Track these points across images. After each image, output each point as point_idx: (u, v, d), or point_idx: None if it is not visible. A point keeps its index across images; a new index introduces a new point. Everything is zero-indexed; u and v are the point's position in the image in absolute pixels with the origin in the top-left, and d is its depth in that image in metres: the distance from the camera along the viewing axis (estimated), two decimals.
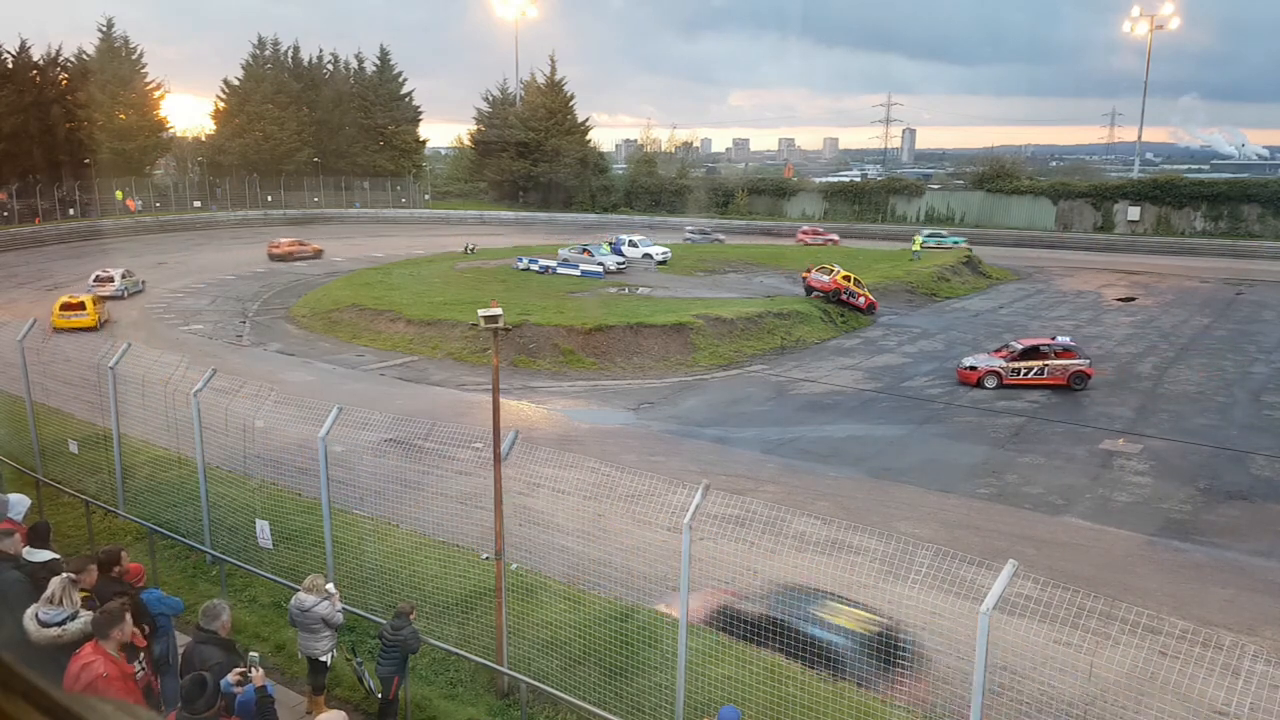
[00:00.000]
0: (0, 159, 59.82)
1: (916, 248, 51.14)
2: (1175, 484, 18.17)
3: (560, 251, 45.31)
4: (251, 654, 6.81)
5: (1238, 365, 28.51)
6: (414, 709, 9.30)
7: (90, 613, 6.50)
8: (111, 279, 38.65)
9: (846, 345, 31.13)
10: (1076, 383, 25.07)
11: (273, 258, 49.53)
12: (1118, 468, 19.18)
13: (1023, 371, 25.10)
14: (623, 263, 44.81)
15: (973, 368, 25.57)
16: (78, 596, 6.62)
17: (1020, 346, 25.74)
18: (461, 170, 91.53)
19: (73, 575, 6.78)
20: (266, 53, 76.64)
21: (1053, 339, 26.70)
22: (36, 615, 6.38)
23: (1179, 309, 38.69)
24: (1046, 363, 25.17)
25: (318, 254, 51.52)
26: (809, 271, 36.18)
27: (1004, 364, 25.20)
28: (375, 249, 55.19)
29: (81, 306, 31.78)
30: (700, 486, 8.57)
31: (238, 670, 6.46)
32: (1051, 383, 25.05)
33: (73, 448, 15.15)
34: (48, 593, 6.50)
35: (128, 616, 6.28)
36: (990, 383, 25.06)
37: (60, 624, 6.35)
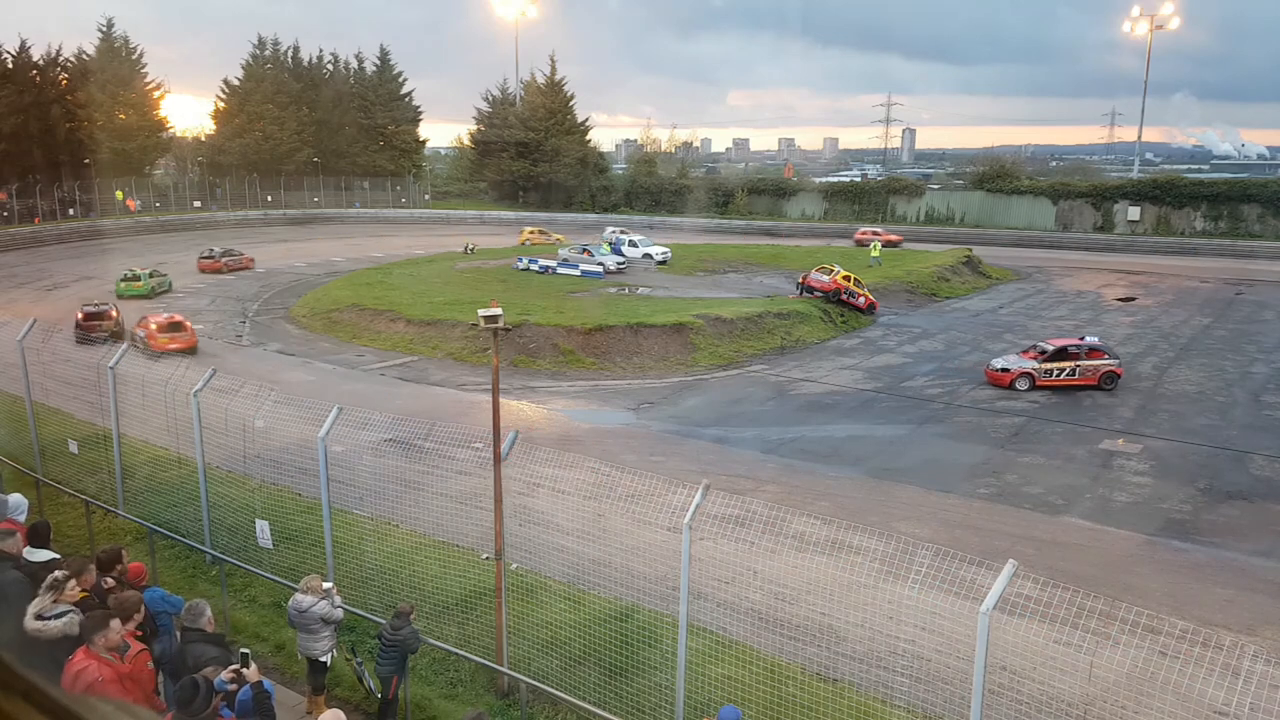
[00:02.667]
0: (0, 159, 59.84)
1: (875, 253, 47.95)
2: (1175, 484, 18.16)
3: (560, 251, 45.32)
4: (243, 650, 6.81)
5: (1238, 365, 28.50)
6: (414, 709, 9.30)
7: (75, 615, 6.53)
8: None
9: (846, 345, 31.13)
10: (1107, 383, 24.85)
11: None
12: (1118, 468, 19.18)
13: (1055, 373, 24.75)
14: (623, 263, 44.81)
15: (1005, 369, 25.06)
16: (65, 595, 6.63)
17: (1051, 348, 25.32)
18: (461, 170, 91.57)
19: (59, 575, 6.78)
20: (266, 53, 76.65)
21: (1081, 339, 26.26)
22: (36, 611, 6.48)
23: (1179, 309, 38.67)
24: (1078, 363, 24.88)
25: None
26: (805, 279, 36.00)
27: (1036, 365, 24.82)
28: (375, 249, 55.19)
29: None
30: (700, 486, 8.57)
31: (231, 668, 6.46)
32: (1083, 383, 24.78)
33: (73, 448, 15.17)
34: (41, 590, 6.59)
35: (112, 622, 6.24)
36: (1023, 384, 24.66)
37: (44, 620, 6.42)
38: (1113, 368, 25.14)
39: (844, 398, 24.60)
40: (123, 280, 38.06)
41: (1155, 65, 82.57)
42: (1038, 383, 24.76)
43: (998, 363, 25.76)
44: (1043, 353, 25.34)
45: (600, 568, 11.39)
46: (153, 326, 28.83)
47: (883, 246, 54.23)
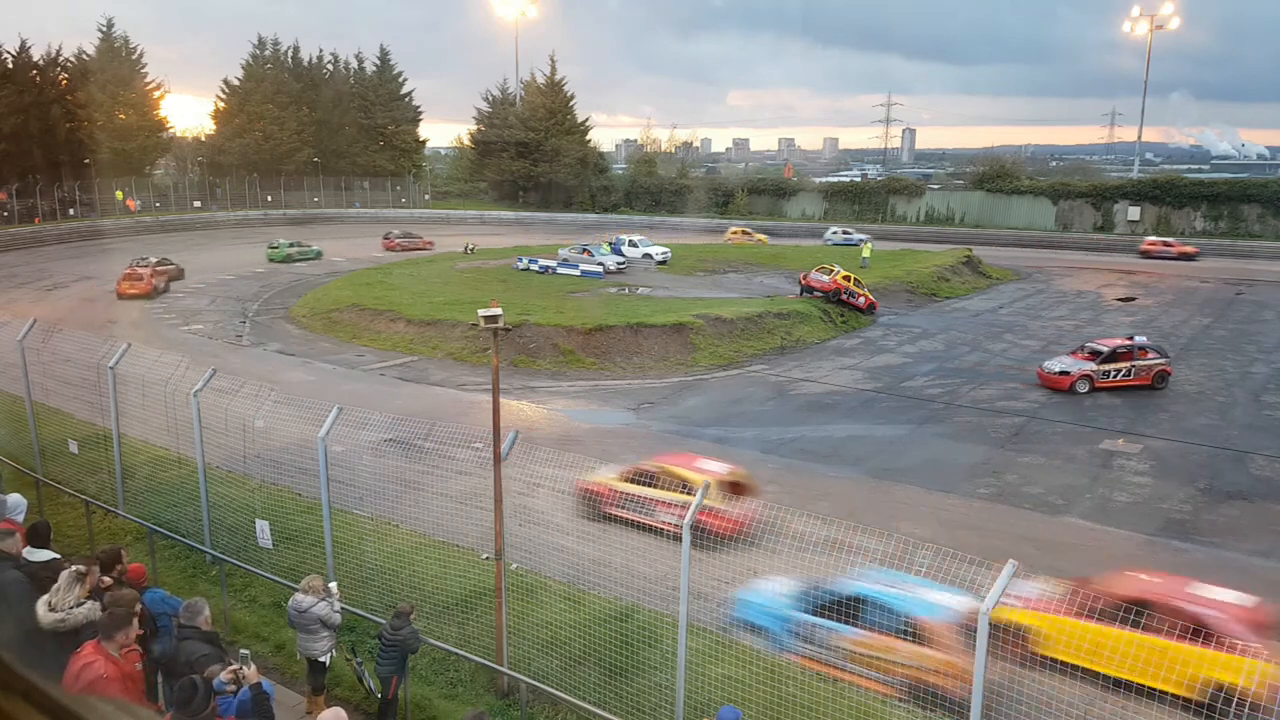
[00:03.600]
0: (0, 159, 59.84)
1: (866, 254, 47.28)
2: (1175, 484, 18.16)
3: (560, 251, 45.32)
4: (243, 651, 6.81)
5: (1238, 365, 28.49)
6: (414, 709, 9.30)
7: (96, 603, 6.59)
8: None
9: (846, 345, 31.12)
10: (1159, 381, 24.98)
11: None
12: (1118, 468, 19.17)
13: (1112, 374, 24.65)
14: (623, 263, 44.82)
15: (1064, 372, 24.72)
16: (80, 591, 6.69)
17: (1105, 349, 25.17)
18: (461, 170, 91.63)
19: (80, 569, 6.85)
20: (266, 53, 76.69)
21: (1130, 339, 26.18)
22: (49, 602, 6.55)
23: (1179, 309, 38.68)
24: (1134, 363, 24.86)
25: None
26: (806, 277, 35.99)
27: (1095, 367, 24.66)
28: (375, 249, 55.21)
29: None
30: (700, 486, 8.56)
31: (230, 669, 6.48)
32: (1138, 383, 24.76)
33: (73, 448, 15.16)
34: (58, 583, 6.66)
35: (134, 620, 6.32)
36: (1083, 387, 24.43)
37: (66, 610, 6.46)
38: (1164, 366, 25.23)
39: (844, 398, 24.59)
40: (269, 248, 50.61)
41: (1155, 65, 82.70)
42: (1096, 384, 24.56)
43: (1054, 365, 25.33)
44: (1095, 354, 25.13)
45: (600, 568, 11.39)
46: (120, 278, 38.68)
47: (1177, 258, 53.02)
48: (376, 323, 31.68)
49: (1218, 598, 10.47)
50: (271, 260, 49.27)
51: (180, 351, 26.44)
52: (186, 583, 11.94)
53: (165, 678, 7.47)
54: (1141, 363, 24.96)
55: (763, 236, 63.05)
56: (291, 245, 50.93)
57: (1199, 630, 9.44)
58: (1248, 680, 8.11)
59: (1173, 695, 8.50)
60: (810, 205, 76.98)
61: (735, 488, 13.49)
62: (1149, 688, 8.53)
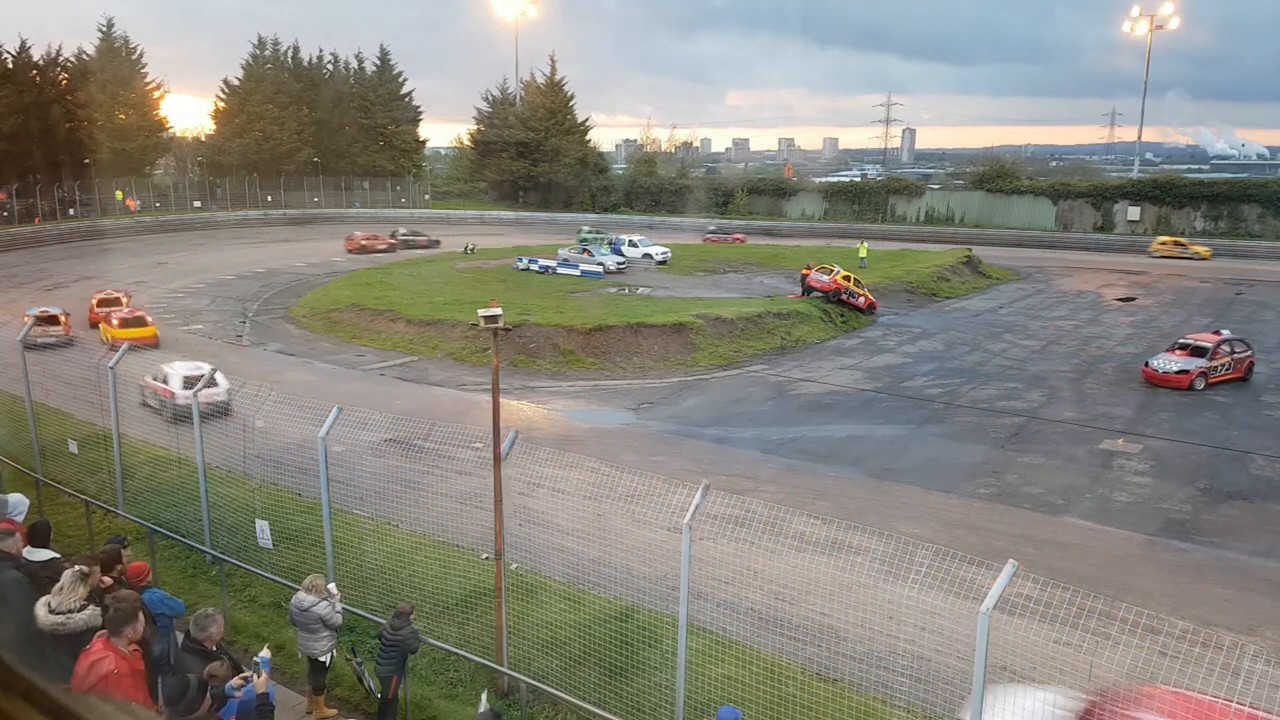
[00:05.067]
0: (0, 159, 59.83)
1: (863, 253, 47.25)
2: (1175, 484, 18.15)
3: (560, 251, 45.34)
4: (258, 657, 6.84)
5: None
6: (414, 709, 9.31)
7: (96, 609, 6.59)
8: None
9: (846, 345, 31.12)
10: (1249, 373, 25.96)
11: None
12: (1118, 468, 19.17)
13: (1219, 369, 25.36)
14: (623, 263, 44.82)
15: (1184, 371, 25.06)
16: (83, 590, 6.69)
17: (1209, 344, 25.68)
18: (461, 170, 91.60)
19: (84, 569, 6.85)
20: (266, 53, 76.66)
21: (1219, 333, 26.85)
22: (49, 604, 6.54)
23: (1179, 309, 38.67)
24: (1233, 357, 25.58)
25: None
26: (809, 269, 36.05)
27: (1206, 363, 25.20)
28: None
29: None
30: (700, 486, 8.57)
31: (241, 675, 6.54)
32: (1234, 376, 25.58)
33: (73, 448, 15.17)
34: (59, 584, 6.65)
35: (140, 614, 6.33)
36: (1200, 384, 24.96)
37: (66, 613, 6.45)
38: (1251, 358, 26.16)
39: (844, 398, 24.59)
40: (575, 233, 56.99)
41: (1154, 65, 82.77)
42: (1210, 380, 25.14)
43: (1169, 365, 25.43)
44: (1198, 350, 25.55)
45: (600, 568, 11.39)
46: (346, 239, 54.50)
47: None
48: (376, 323, 31.68)
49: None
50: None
51: (180, 351, 26.49)
52: (186, 583, 11.95)
53: (163, 679, 7.48)
54: (1237, 356, 25.71)
55: (1203, 249, 55.29)
56: (590, 232, 57.12)
57: None
58: None
59: None
60: (810, 205, 76.95)
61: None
62: None
